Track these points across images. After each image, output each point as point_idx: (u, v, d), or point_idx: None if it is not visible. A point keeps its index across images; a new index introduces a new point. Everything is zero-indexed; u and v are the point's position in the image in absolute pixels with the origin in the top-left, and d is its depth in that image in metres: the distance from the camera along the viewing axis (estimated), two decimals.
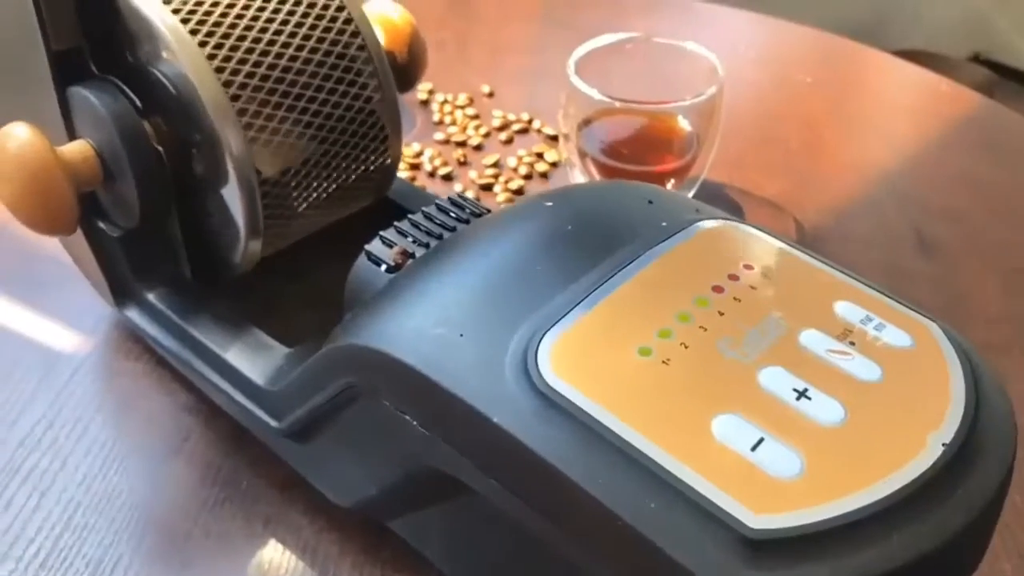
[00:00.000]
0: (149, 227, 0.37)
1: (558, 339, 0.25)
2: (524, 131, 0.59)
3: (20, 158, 0.32)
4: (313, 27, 0.36)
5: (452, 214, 0.34)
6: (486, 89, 0.63)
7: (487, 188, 0.54)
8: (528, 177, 0.55)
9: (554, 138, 0.59)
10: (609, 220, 0.30)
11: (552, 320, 0.26)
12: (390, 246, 0.33)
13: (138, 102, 0.35)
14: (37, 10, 0.33)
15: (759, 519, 0.22)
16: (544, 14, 0.73)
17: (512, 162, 0.56)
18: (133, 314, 0.39)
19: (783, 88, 0.65)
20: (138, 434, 0.40)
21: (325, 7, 0.36)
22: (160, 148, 0.35)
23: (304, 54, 0.35)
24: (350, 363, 0.29)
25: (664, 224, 0.30)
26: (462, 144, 0.58)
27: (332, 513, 0.36)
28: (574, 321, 0.26)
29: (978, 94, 0.64)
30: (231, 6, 0.34)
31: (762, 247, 0.29)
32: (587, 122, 0.50)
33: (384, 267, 0.33)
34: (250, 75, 0.34)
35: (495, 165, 0.56)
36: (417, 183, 0.55)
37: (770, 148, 0.58)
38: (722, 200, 0.53)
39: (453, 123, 0.60)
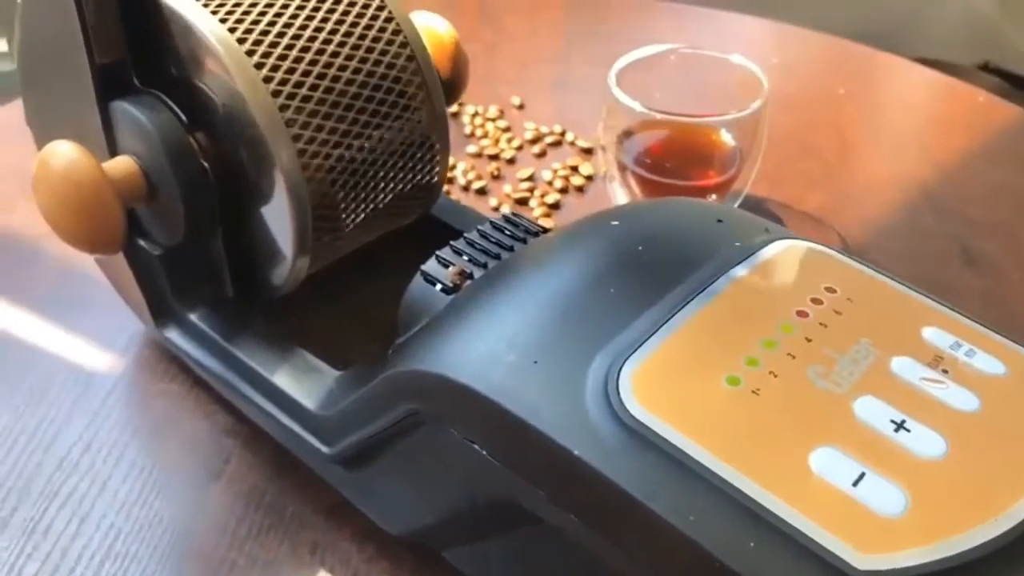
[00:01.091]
0: (191, 245, 0.36)
1: (640, 367, 0.24)
2: (557, 144, 0.58)
3: (67, 177, 0.31)
4: (362, 37, 0.35)
5: (507, 232, 0.33)
6: (516, 101, 0.62)
7: (523, 202, 0.53)
8: (564, 191, 0.54)
9: (588, 151, 0.58)
10: (680, 240, 0.29)
11: (632, 347, 0.25)
12: (446, 266, 0.32)
13: (183, 116, 0.34)
14: (82, 22, 0.32)
15: (866, 559, 0.21)
16: (569, 25, 0.73)
17: (547, 175, 0.55)
18: (173, 335, 0.38)
19: (815, 99, 0.64)
20: (177, 457, 0.38)
21: (374, 18, 0.35)
22: (206, 163, 0.34)
23: (353, 63, 0.34)
24: (415, 390, 0.28)
25: (737, 244, 0.29)
26: (495, 157, 0.57)
27: (382, 540, 0.35)
28: (655, 348, 0.25)
29: (1015, 106, 0.63)
30: (279, 15, 0.33)
31: (840, 269, 0.28)
32: (627, 134, 0.49)
33: (439, 287, 0.31)
34: (298, 85, 0.33)
35: (530, 179, 0.55)
36: (450, 197, 0.54)
37: (807, 161, 0.58)
38: (764, 214, 0.52)
39: (485, 136, 0.58)
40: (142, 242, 0.37)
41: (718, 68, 0.50)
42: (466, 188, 0.54)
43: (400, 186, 0.37)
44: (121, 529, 0.36)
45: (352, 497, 0.34)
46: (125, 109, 0.34)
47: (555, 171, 0.55)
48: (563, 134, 0.59)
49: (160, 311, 0.38)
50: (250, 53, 0.32)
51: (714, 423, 0.23)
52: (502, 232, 0.33)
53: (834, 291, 0.27)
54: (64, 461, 0.38)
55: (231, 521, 0.36)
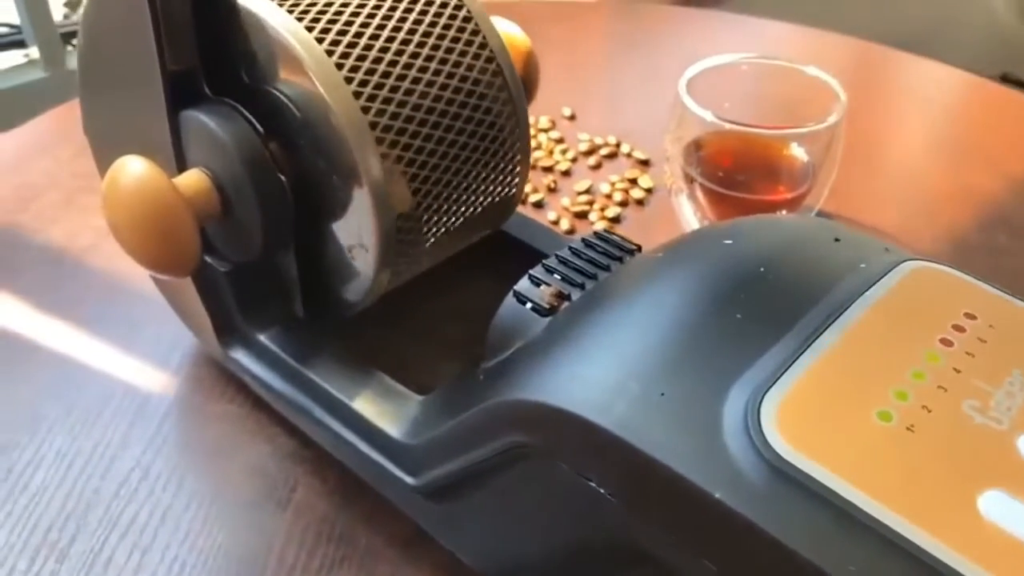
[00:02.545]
0: (261, 261, 0.34)
1: (781, 401, 0.23)
2: (612, 156, 0.56)
3: (139, 195, 0.29)
4: (441, 38, 0.33)
5: (600, 250, 0.31)
6: (567, 112, 0.60)
7: (581, 216, 0.51)
8: (624, 204, 0.52)
9: (645, 162, 0.56)
10: (803, 261, 0.27)
11: (770, 378, 0.23)
12: (540, 286, 0.30)
13: (259, 126, 0.32)
14: (155, 26, 0.31)
15: None
16: (612, 33, 0.71)
17: (605, 188, 0.53)
18: (239, 355, 0.36)
19: (873, 111, 0.62)
20: (240, 484, 0.37)
21: (452, 17, 0.33)
22: (282, 176, 0.32)
23: (434, 64, 0.32)
24: (521, 421, 0.26)
25: (863, 266, 0.27)
26: (549, 169, 0.55)
27: (464, 575, 0.33)
28: (795, 379, 0.23)
29: None
30: (355, 15, 0.31)
31: (974, 292, 0.27)
32: (696, 146, 0.47)
33: (530, 306, 0.30)
34: (380, 87, 0.31)
35: (587, 191, 0.53)
36: None
37: (872, 175, 0.56)
38: None
39: (538, 147, 0.57)
40: (209, 259, 0.35)
41: (790, 79, 0.48)
42: (523, 201, 0.52)
43: (481, 198, 0.35)
44: (186, 562, 0.34)
45: (434, 530, 0.32)
46: (196, 119, 0.32)
47: (613, 184, 0.54)
48: (618, 145, 0.57)
49: (225, 331, 0.36)
50: (330, 53, 0.30)
51: (869, 463, 0.21)
52: (595, 250, 0.31)
53: (974, 317, 0.25)
54: (122, 487, 0.36)
55: (302, 554, 0.34)
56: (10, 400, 0.40)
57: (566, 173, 0.55)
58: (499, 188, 0.35)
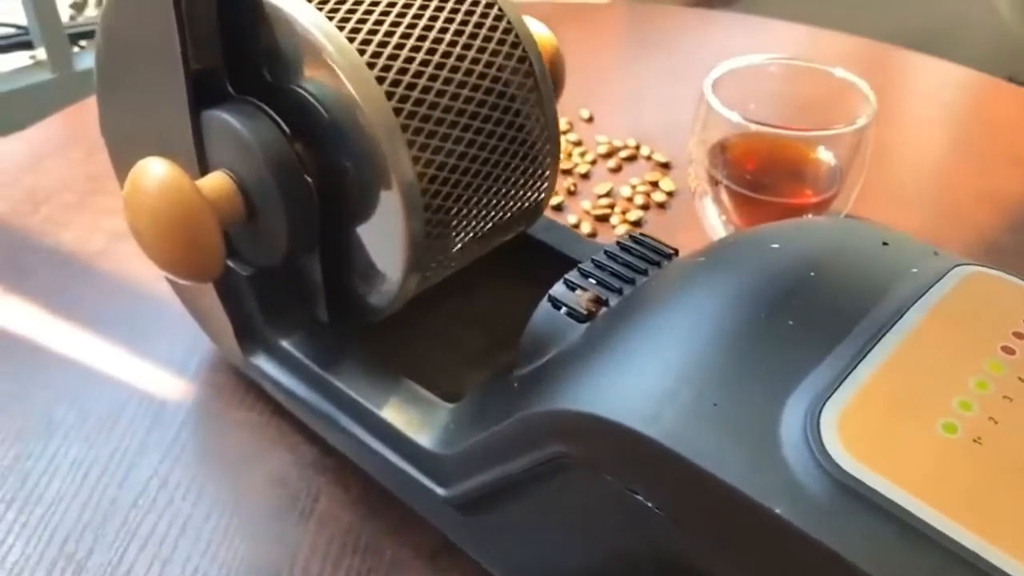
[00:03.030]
0: (285, 265, 0.33)
1: (842, 412, 0.22)
2: (632, 158, 0.56)
3: (162, 199, 0.28)
4: (473, 36, 0.32)
5: (637, 254, 0.30)
6: (585, 114, 0.59)
7: (603, 219, 0.51)
8: (645, 207, 0.52)
9: (666, 165, 0.55)
10: (853, 266, 0.26)
11: (828, 388, 0.22)
12: (575, 290, 0.29)
13: (285, 126, 0.31)
14: (179, 23, 0.30)
15: None
16: (627, 35, 0.70)
17: (626, 191, 0.52)
18: (261, 361, 0.35)
19: (890, 112, 0.61)
20: (262, 494, 0.36)
21: (492, 28, 0.32)
22: (309, 178, 0.31)
23: (465, 64, 0.31)
24: (564, 431, 0.25)
25: (914, 271, 0.26)
26: (568, 172, 0.54)
27: None
28: (855, 389, 0.22)
29: None
30: (386, 12, 0.31)
31: None
32: (721, 148, 0.46)
33: (566, 311, 0.29)
34: (412, 87, 0.30)
35: (608, 194, 0.52)
36: None
37: (895, 178, 0.55)
38: None
39: None
40: (231, 263, 0.34)
41: (817, 80, 0.47)
42: None
43: (512, 202, 0.34)
44: (207, 574, 0.33)
45: (464, 542, 0.31)
46: (220, 119, 0.31)
47: (634, 187, 0.53)
48: (638, 148, 0.56)
49: (247, 336, 0.36)
50: (361, 52, 0.29)
51: (937, 477, 0.20)
52: (631, 254, 0.30)
53: None
54: (141, 497, 0.35)
55: (326, 566, 0.33)
56: (23, 407, 0.39)
57: (585, 176, 0.54)
58: (528, 190, 0.34)
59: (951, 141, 0.59)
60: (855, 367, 0.23)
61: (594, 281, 0.29)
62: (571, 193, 0.53)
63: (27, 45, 0.96)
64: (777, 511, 0.20)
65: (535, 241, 0.40)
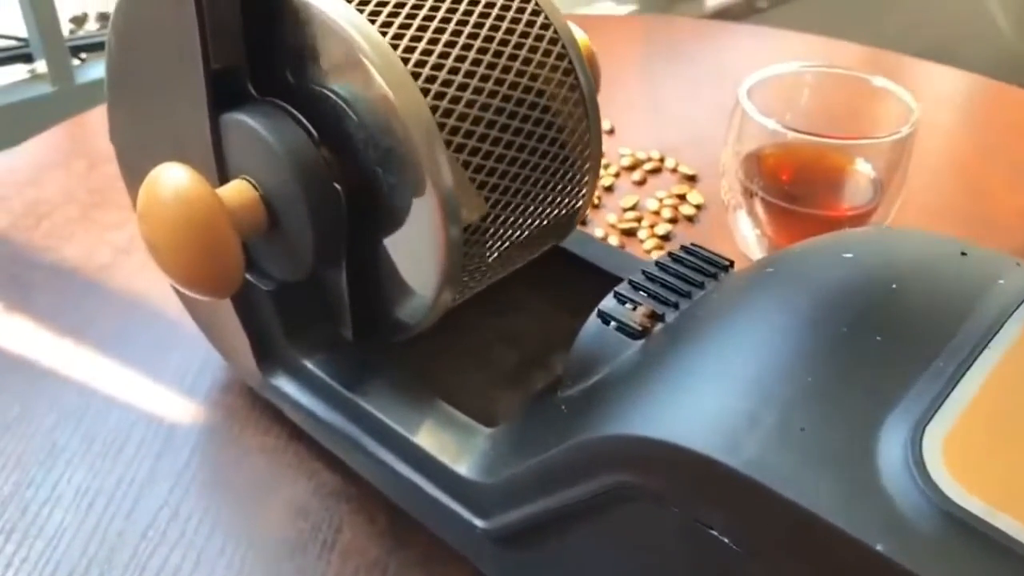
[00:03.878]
0: (309, 279, 0.31)
1: (946, 436, 0.19)
2: (656, 171, 0.54)
3: (182, 208, 0.26)
4: (519, 46, 0.30)
5: (691, 265, 0.28)
6: (607, 125, 0.57)
7: (630, 233, 0.48)
8: (673, 221, 0.49)
9: (692, 178, 0.53)
10: (935, 278, 0.24)
11: (928, 410, 0.20)
12: (625, 304, 0.27)
13: (313, 131, 0.29)
14: (200, 19, 0.28)
15: None
16: (647, 47, 0.68)
17: (652, 205, 0.50)
18: (281, 382, 0.33)
19: (926, 126, 0.59)
20: (280, 525, 0.33)
21: (529, 24, 0.30)
22: (337, 185, 0.29)
23: (511, 78, 0.29)
24: (625, 459, 0.23)
25: (1001, 282, 0.24)
26: None
27: None
28: (957, 412, 0.20)
29: None
30: (418, 7, 0.29)
31: None
32: (756, 159, 0.44)
33: (615, 326, 0.27)
34: (456, 100, 0.28)
35: (634, 208, 0.50)
36: None
37: (935, 192, 0.53)
38: None
39: None
40: (251, 277, 0.32)
41: (853, 89, 0.45)
42: None
43: (550, 211, 0.32)
44: None
45: None
46: (241, 122, 0.29)
47: (661, 200, 0.51)
48: (662, 160, 0.54)
49: (266, 355, 0.33)
50: (394, 47, 0.27)
51: None
52: (685, 266, 0.28)
53: None
54: (150, 529, 0.33)
55: None
56: (23, 431, 0.37)
57: (609, 189, 0.52)
58: (567, 198, 0.32)
59: (982, 152, 0.57)
60: (954, 386, 0.20)
61: (646, 294, 0.27)
62: (595, 206, 0.51)
63: (25, 58, 0.94)
64: (879, 548, 0.18)
65: (566, 254, 0.38)
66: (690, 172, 0.53)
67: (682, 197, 0.51)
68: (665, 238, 0.48)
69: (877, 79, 0.45)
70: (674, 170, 0.54)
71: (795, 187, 0.45)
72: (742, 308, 0.25)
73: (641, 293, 0.28)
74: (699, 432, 0.21)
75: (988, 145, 0.58)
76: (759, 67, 0.45)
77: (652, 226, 0.49)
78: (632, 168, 0.54)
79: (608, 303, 0.27)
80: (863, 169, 0.45)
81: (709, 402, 0.22)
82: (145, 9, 0.30)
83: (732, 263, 0.29)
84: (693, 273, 0.28)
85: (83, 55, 0.99)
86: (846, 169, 0.45)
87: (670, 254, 0.29)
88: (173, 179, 0.27)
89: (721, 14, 1.44)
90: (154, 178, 0.27)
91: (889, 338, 0.22)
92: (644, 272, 0.28)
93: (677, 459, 0.21)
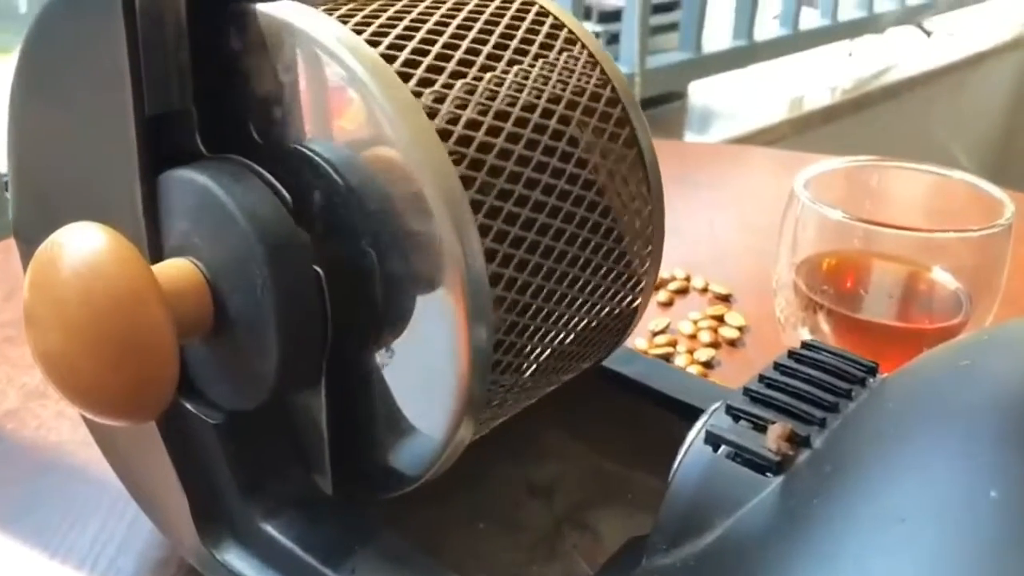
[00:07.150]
0: (273, 409, 0.22)
1: None
2: (683, 291, 0.46)
3: (98, 282, 0.18)
4: (564, 75, 0.23)
5: (825, 368, 0.20)
6: None
7: (666, 359, 0.40)
8: (715, 345, 0.41)
9: (725, 297, 0.45)
10: None
11: None
12: (749, 420, 0.19)
13: (286, 194, 0.21)
14: (131, 46, 0.20)
15: None
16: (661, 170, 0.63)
17: (685, 327, 0.43)
18: (232, 556, 0.23)
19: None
20: None
21: (580, 76, 0.23)
22: (320, 270, 0.21)
23: (562, 146, 0.22)
24: None
25: None
26: None
27: None
28: None
29: None
30: (433, 34, 0.21)
31: None
32: (815, 267, 0.37)
33: (731, 453, 0.18)
34: (496, 171, 0.20)
35: (664, 331, 0.42)
36: None
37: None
38: None
39: None
40: (189, 404, 0.23)
41: (924, 185, 0.39)
42: None
43: (598, 307, 0.24)
44: None
45: None
46: (188, 181, 0.21)
47: (696, 322, 0.43)
48: (688, 279, 0.47)
49: (211, 517, 0.24)
50: (405, 78, 0.20)
51: None
52: (817, 368, 0.20)
53: None
54: None
55: None
56: None
57: None
58: (620, 293, 0.24)
59: None
60: None
61: (775, 409, 0.19)
62: None
63: None
64: None
65: (608, 373, 0.29)
66: (723, 291, 0.46)
67: (719, 319, 0.43)
68: (708, 365, 0.40)
69: (956, 173, 0.38)
70: (704, 290, 0.46)
71: (867, 298, 0.37)
72: (933, 430, 0.16)
73: (760, 406, 0.19)
74: None
75: None
76: (778, 187, 0.38)
77: (691, 351, 0.41)
78: (657, 288, 0.46)
79: (720, 421, 0.19)
80: (945, 270, 0.37)
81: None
82: (60, 39, 0.22)
83: (878, 365, 0.21)
84: (831, 378, 0.19)
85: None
86: (921, 276, 0.37)
87: (789, 352, 0.21)
88: (87, 242, 0.18)
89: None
90: (58, 241, 0.19)
91: None
92: (763, 376, 0.20)
93: None
